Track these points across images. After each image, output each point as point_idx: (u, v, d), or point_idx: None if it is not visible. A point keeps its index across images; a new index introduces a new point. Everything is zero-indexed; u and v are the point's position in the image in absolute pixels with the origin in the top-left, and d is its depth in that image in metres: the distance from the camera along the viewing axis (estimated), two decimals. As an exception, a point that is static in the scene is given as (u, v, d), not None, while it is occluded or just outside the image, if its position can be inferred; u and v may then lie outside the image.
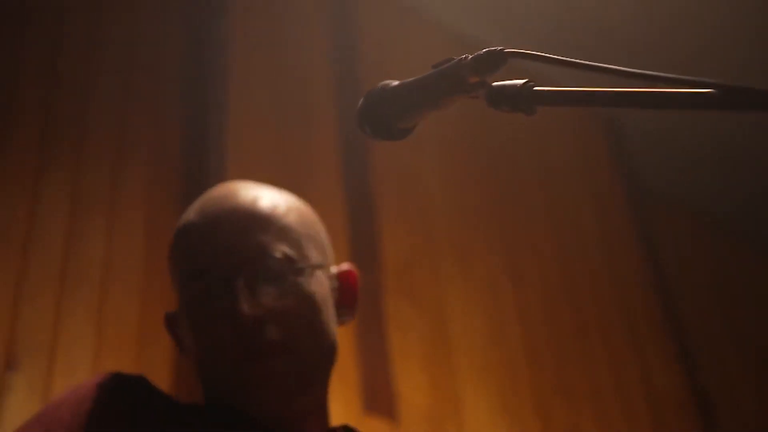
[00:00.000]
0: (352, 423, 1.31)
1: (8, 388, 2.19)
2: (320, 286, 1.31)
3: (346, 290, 1.38)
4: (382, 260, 2.88)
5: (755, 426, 3.68)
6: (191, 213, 1.35)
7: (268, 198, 1.34)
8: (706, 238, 4.27)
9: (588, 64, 0.90)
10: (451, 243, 3.20)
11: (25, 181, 2.46)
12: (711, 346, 3.78)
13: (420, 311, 2.93)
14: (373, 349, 2.69)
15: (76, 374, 2.29)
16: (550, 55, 0.92)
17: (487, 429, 2.84)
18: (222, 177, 2.72)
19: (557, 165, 3.86)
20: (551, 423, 3.02)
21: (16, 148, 2.49)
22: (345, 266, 1.40)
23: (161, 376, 2.40)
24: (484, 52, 0.95)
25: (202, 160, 2.79)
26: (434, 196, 3.29)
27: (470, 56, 0.95)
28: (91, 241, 2.51)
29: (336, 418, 1.38)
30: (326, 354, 1.29)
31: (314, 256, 1.32)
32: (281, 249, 1.27)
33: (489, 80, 0.96)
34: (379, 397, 2.62)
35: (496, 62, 0.94)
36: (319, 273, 1.31)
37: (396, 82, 1.05)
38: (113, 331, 2.41)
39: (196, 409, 1.32)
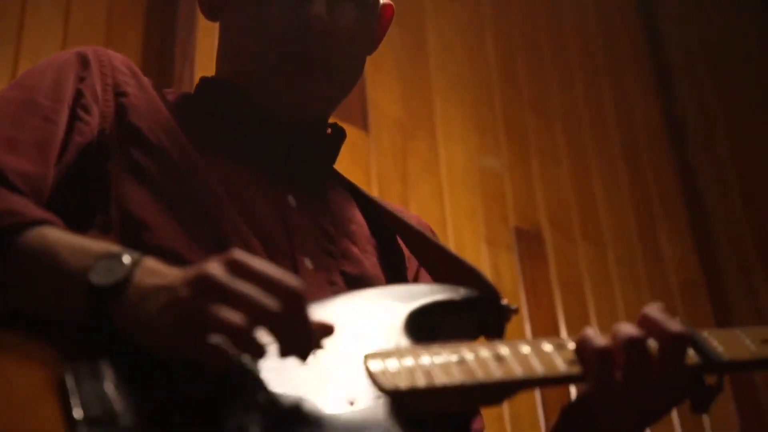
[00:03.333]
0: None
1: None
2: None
3: (380, 23, 1.38)
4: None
5: (727, 153, 3.63)
6: None
7: None
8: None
9: None
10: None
11: None
12: (691, 79, 3.72)
13: (396, 24, 2.87)
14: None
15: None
16: None
17: (459, 142, 2.85)
18: None
19: None
20: (523, 140, 3.03)
21: None
22: (386, 0, 1.39)
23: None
24: None
25: None
26: None
27: None
28: None
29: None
30: (356, 81, 1.34)
31: None
32: None
33: None
34: (350, 105, 2.60)
35: None
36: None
37: None
38: (81, 19, 2.37)
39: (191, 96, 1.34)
